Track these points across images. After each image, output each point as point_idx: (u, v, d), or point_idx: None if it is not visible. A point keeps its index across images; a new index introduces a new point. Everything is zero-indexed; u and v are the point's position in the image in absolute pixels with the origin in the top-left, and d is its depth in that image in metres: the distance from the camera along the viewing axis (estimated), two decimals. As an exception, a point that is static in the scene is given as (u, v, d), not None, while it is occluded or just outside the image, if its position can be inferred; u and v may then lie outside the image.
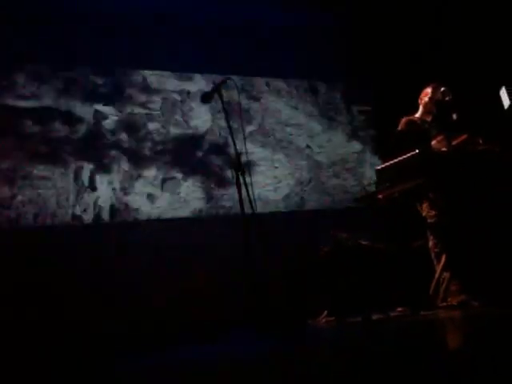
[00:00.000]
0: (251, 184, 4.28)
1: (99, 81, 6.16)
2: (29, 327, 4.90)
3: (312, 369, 2.23)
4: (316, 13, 6.89)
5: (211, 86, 5.52)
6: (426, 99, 5.03)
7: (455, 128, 4.64)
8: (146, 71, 6.38)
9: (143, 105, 6.30)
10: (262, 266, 4.04)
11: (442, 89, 4.84)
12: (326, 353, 2.72)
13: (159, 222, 5.99)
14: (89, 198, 5.81)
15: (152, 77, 6.41)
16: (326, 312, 4.77)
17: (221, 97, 4.49)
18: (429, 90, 5.03)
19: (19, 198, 5.56)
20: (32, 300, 5.05)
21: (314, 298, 4.93)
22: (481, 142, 4.53)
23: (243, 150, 4.41)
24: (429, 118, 5.03)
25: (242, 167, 4.30)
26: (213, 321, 5.27)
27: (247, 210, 4.18)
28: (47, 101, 5.90)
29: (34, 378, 3.43)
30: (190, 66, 6.51)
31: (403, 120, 4.97)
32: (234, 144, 4.37)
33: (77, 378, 3.20)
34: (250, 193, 4.21)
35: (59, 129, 5.87)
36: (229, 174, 6.38)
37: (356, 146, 7.28)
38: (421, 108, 5.08)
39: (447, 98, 4.78)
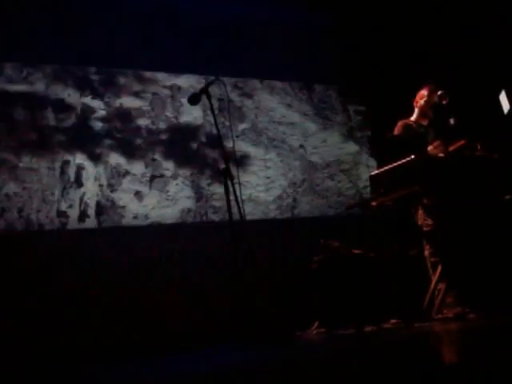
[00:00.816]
0: (240, 187, 4.14)
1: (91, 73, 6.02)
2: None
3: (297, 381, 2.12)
4: (311, 12, 6.79)
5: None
6: (422, 102, 4.87)
7: (452, 133, 4.49)
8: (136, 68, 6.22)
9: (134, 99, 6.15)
10: (250, 275, 3.94)
11: (439, 92, 4.66)
12: (313, 366, 2.61)
13: (144, 227, 5.84)
14: (75, 193, 5.66)
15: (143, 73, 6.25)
16: (316, 323, 4.64)
17: (209, 98, 4.32)
18: (425, 93, 4.87)
19: (3, 191, 5.42)
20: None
21: (304, 309, 4.81)
22: (479, 147, 4.39)
23: (232, 154, 4.25)
24: (425, 122, 4.88)
25: (231, 173, 4.16)
26: (199, 332, 5.18)
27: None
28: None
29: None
30: (180, 64, 6.35)
31: (398, 124, 4.82)
32: (223, 147, 4.22)
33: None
34: (239, 199, 4.07)
35: (49, 118, 5.73)
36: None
37: (352, 146, 7.10)
38: (416, 111, 4.92)
39: (444, 102, 4.62)
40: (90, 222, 5.66)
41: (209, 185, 6.20)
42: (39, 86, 5.78)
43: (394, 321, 4.39)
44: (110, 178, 5.85)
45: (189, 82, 6.35)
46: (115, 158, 5.92)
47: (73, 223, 5.59)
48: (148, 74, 6.26)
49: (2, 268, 4.97)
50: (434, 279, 4.36)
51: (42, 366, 4.61)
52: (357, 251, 4.69)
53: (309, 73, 6.90)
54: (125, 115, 6.08)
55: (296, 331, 4.69)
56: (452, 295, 4.25)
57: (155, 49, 6.17)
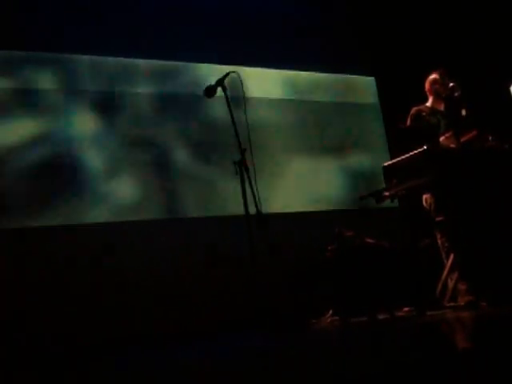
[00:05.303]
0: (255, 181, 4.19)
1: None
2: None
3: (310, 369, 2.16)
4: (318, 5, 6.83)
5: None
6: (437, 86, 4.88)
7: (464, 124, 4.55)
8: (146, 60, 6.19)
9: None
10: (266, 265, 4.01)
11: (451, 84, 4.72)
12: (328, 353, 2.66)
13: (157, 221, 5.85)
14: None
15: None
16: (330, 311, 4.71)
17: (224, 90, 4.38)
18: (437, 77, 4.90)
19: None
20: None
21: (319, 298, 4.87)
22: (490, 138, 4.44)
23: (247, 146, 4.30)
24: (441, 107, 4.92)
25: (246, 165, 4.21)
26: (216, 320, 5.26)
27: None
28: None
29: None
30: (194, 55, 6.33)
31: (411, 112, 4.84)
32: (238, 139, 4.27)
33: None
34: (255, 190, 4.14)
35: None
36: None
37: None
38: (431, 97, 4.96)
39: (456, 94, 4.68)
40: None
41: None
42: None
43: (406, 309, 4.48)
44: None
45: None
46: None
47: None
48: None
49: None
50: (447, 268, 4.44)
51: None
52: (370, 240, 4.74)
53: (320, 66, 6.94)
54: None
55: (311, 319, 4.77)
56: (464, 283, 4.33)
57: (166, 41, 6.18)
